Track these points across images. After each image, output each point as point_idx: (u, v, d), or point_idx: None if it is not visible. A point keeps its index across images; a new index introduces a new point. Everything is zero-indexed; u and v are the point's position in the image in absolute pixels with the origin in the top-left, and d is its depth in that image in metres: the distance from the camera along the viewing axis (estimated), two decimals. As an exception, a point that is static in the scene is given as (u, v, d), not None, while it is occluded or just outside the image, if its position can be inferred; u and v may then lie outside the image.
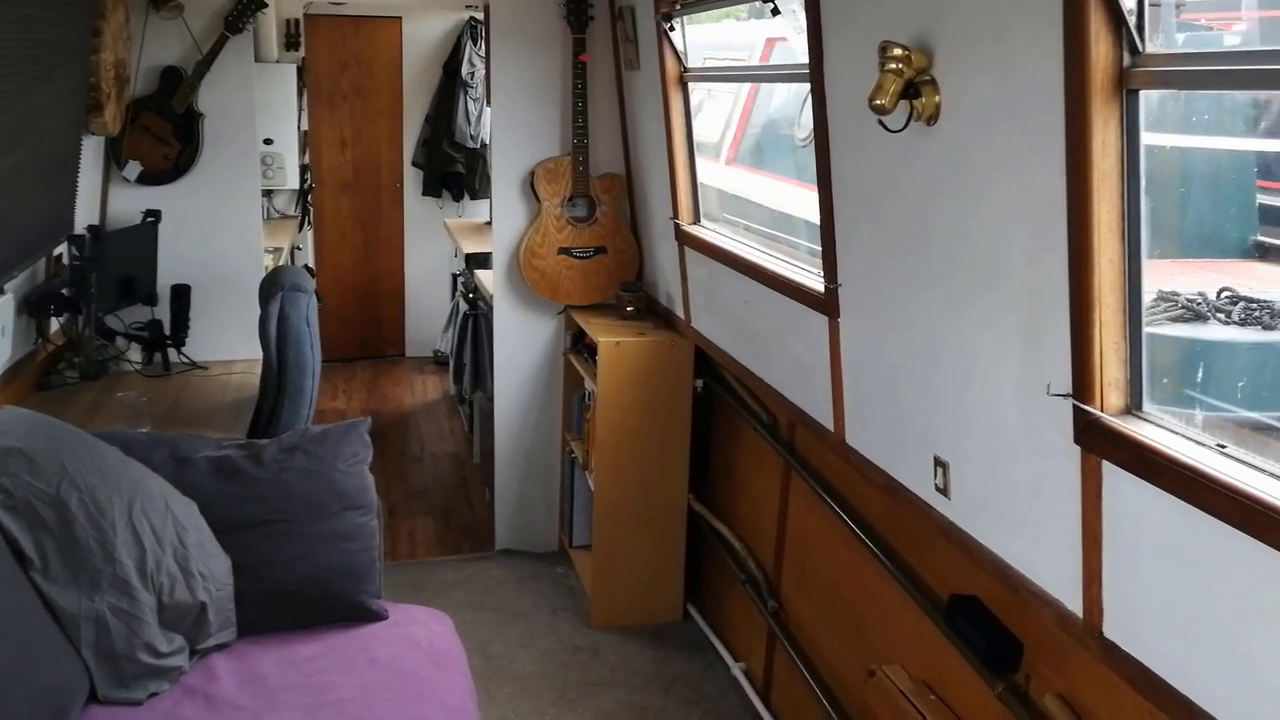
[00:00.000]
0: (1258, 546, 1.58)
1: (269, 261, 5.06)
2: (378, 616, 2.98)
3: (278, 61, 6.42)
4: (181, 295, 4.39)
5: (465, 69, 7.59)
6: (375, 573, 3.02)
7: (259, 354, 3.74)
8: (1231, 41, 2.03)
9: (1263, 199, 3.17)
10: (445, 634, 3.06)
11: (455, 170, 7.73)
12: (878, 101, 2.19)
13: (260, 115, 4.90)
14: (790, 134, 4.36)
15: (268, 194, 6.62)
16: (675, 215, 4.07)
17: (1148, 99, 1.83)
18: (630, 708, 3.82)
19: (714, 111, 5.18)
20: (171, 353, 4.34)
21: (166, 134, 4.47)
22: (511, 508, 4.98)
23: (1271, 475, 1.64)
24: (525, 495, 4.97)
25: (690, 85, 4.01)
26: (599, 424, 4.23)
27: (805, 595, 3.56)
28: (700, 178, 4.14)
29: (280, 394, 3.60)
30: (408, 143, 7.93)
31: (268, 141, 6.13)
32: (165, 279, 4.45)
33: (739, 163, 5.02)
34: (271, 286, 3.67)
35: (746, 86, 4.94)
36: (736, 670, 3.98)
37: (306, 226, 7.47)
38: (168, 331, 4.35)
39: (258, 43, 5.52)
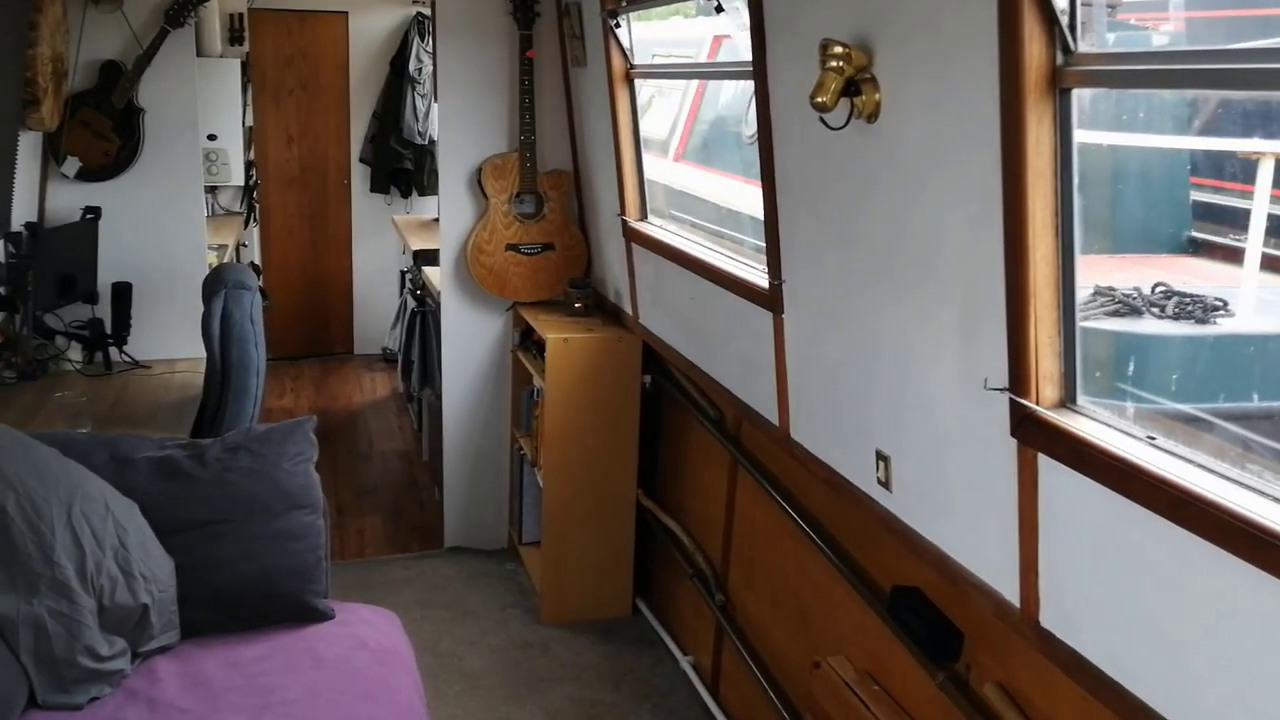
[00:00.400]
0: (1185, 535, 1.62)
1: (213, 259, 5.00)
2: (324, 616, 2.96)
3: (221, 56, 6.33)
4: (123, 293, 4.32)
5: (413, 65, 7.54)
6: (321, 572, 3.00)
7: (203, 353, 3.69)
8: (1159, 41, 2.08)
9: (1196, 196, 3.24)
10: (393, 633, 3.04)
11: (403, 167, 7.69)
12: (819, 99, 2.21)
13: (203, 110, 4.85)
14: (738, 131, 4.38)
15: (212, 190, 6.53)
16: (622, 212, 4.08)
17: (1080, 97, 1.86)
18: (580, 703, 3.83)
19: (663, 108, 5.19)
20: (113, 352, 4.28)
21: (106, 129, 4.40)
22: (461, 505, 4.96)
23: (1199, 466, 1.68)
24: (474, 492, 4.96)
25: (637, 82, 4.01)
26: (548, 421, 4.23)
27: (752, 588, 3.59)
28: (649, 174, 4.14)
29: (224, 393, 3.56)
30: (355, 139, 7.87)
31: (211, 137, 6.06)
32: (106, 277, 4.38)
33: (687, 159, 5.03)
34: (215, 284, 3.62)
35: (694, 83, 4.96)
36: (685, 664, 4.01)
37: (252, 223, 7.39)
38: (109, 330, 4.28)
39: (200, 37, 5.45)
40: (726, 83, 4.61)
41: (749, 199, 3.57)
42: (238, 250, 6.45)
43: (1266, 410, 2.05)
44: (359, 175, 7.90)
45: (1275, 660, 1.52)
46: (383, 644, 2.94)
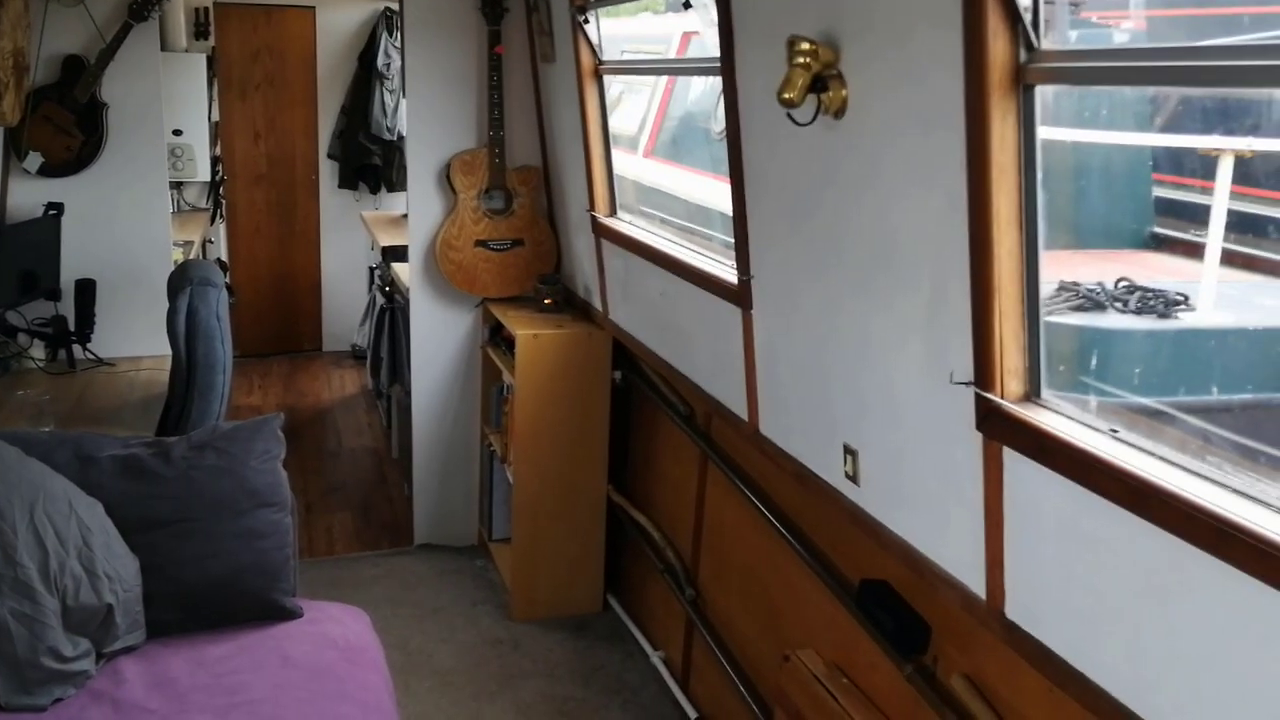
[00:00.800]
0: (1147, 527, 1.64)
1: (179, 255, 4.96)
2: (292, 614, 2.95)
3: (186, 51, 6.28)
4: (86, 290, 4.28)
5: (381, 60, 7.50)
6: (289, 570, 2.99)
7: (168, 350, 3.66)
8: (1121, 39, 2.10)
9: (1158, 192, 3.28)
10: (362, 630, 3.03)
11: (372, 163, 7.64)
12: (786, 95, 2.21)
13: (168, 106, 4.80)
14: (707, 127, 4.39)
15: (177, 186, 6.48)
16: (592, 208, 4.08)
17: (1043, 94, 1.87)
18: (551, 699, 3.83)
19: (633, 104, 5.19)
20: (76, 349, 4.24)
21: (69, 124, 4.35)
22: (430, 502, 4.95)
23: (1160, 459, 1.70)
24: (444, 489, 4.94)
25: (607, 78, 4.01)
26: (517, 417, 4.23)
27: (722, 583, 3.60)
28: (618, 170, 4.14)
29: (190, 390, 3.53)
30: (323, 135, 7.81)
31: (177, 133, 6.01)
32: (69, 273, 4.33)
33: (657, 155, 5.03)
34: (180, 281, 3.59)
35: (664, 80, 4.96)
36: (656, 659, 4.01)
37: (219, 219, 7.33)
38: (72, 327, 4.24)
39: (165, 31, 5.40)
40: (696, 79, 4.61)
41: (718, 195, 3.58)
42: (204, 246, 6.40)
43: (1225, 403, 2.08)
44: (327, 171, 7.85)
45: (1234, 649, 1.54)
46: (351, 642, 2.92)
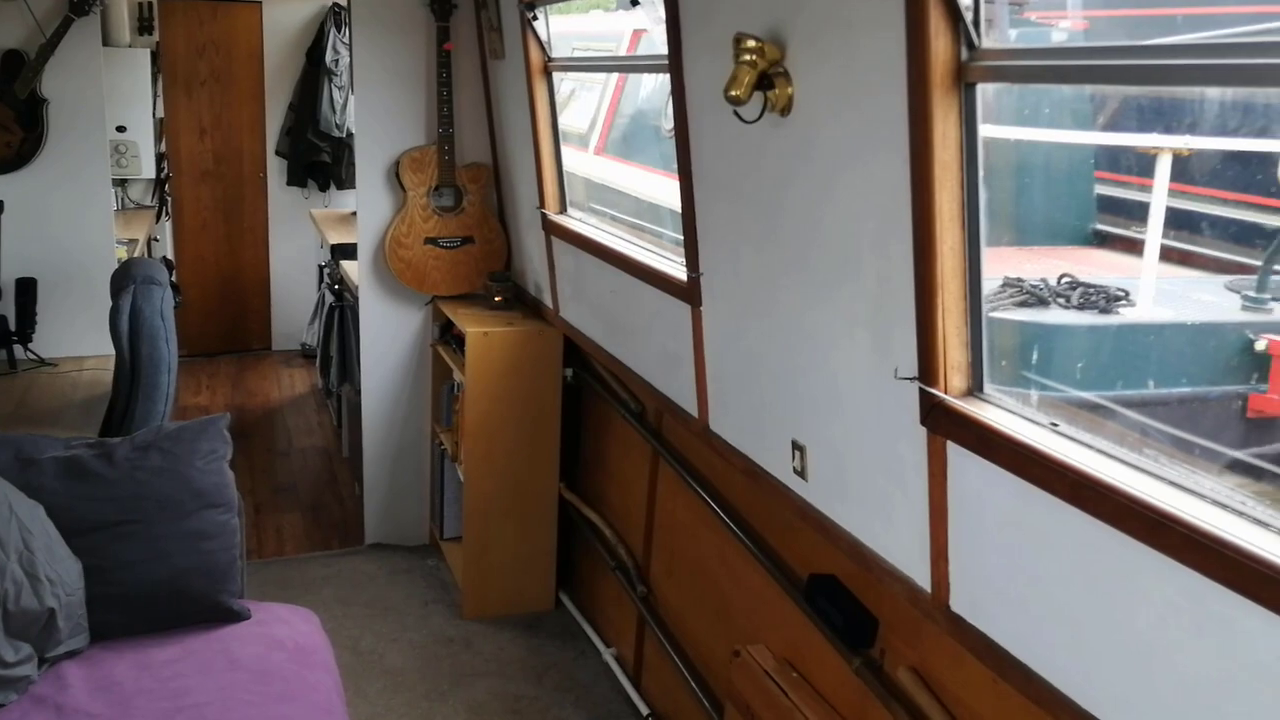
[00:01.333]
0: (1086, 519, 1.67)
1: (123, 253, 4.88)
2: (239, 616, 2.92)
3: (130, 46, 6.18)
4: (27, 289, 4.20)
5: (329, 56, 7.42)
6: (236, 572, 2.95)
7: (111, 350, 3.60)
8: (1058, 38, 2.13)
9: (1100, 190, 3.34)
10: (311, 631, 3.01)
11: (321, 160, 7.57)
12: (733, 92, 2.22)
13: (111, 101, 4.73)
14: (658, 125, 4.39)
15: (122, 183, 6.38)
16: (542, 205, 4.07)
17: (984, 92, 1.90)
18: (503, 697, 3.82)
19: (585, 102, 5.18)
20: (17, 349, 4.15)
21: (8, 120, 4.27)
22: (381, 501, 4.91)
23: (1100, 452, 1.73)
24: (395, 488, 4.91)
25: (557, 75, 4.00)
26: (468, 415, 4.21)
27: (673, 579, 3.61)
28: (570, 167, 4.14)
29: (134, 390, 3.48)
30: (271, 131, 7.72)
31: (120, 129, 5.91)
32: (9, 272, 4.25)
33: (608, 153, 5.03)
34: (123, 279, 3.54)
35: (614, 77, 4.96)
36: (608, 656, 4.02)
37: (165, 217, 7.22)
38: (13, 327, 4.15)
39: (107, 26, 5.32)
40: (646, 77, 4.62)
41: (669, 192, 3.59)
42: (149, 245, 6.30)
43: (1163, 397, 2.12)
44: (275, 168, 7.76)
45: (1172, 638, 1.57)
46: (300, 643, 2.90)
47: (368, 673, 3.91)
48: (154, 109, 6.45)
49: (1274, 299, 2.87)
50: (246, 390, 7.22)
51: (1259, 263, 2.93)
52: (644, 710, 3.71)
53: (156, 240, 6.85)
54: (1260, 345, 2.55)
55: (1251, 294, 2.92)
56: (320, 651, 2.92)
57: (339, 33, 7.40)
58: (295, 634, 2.93)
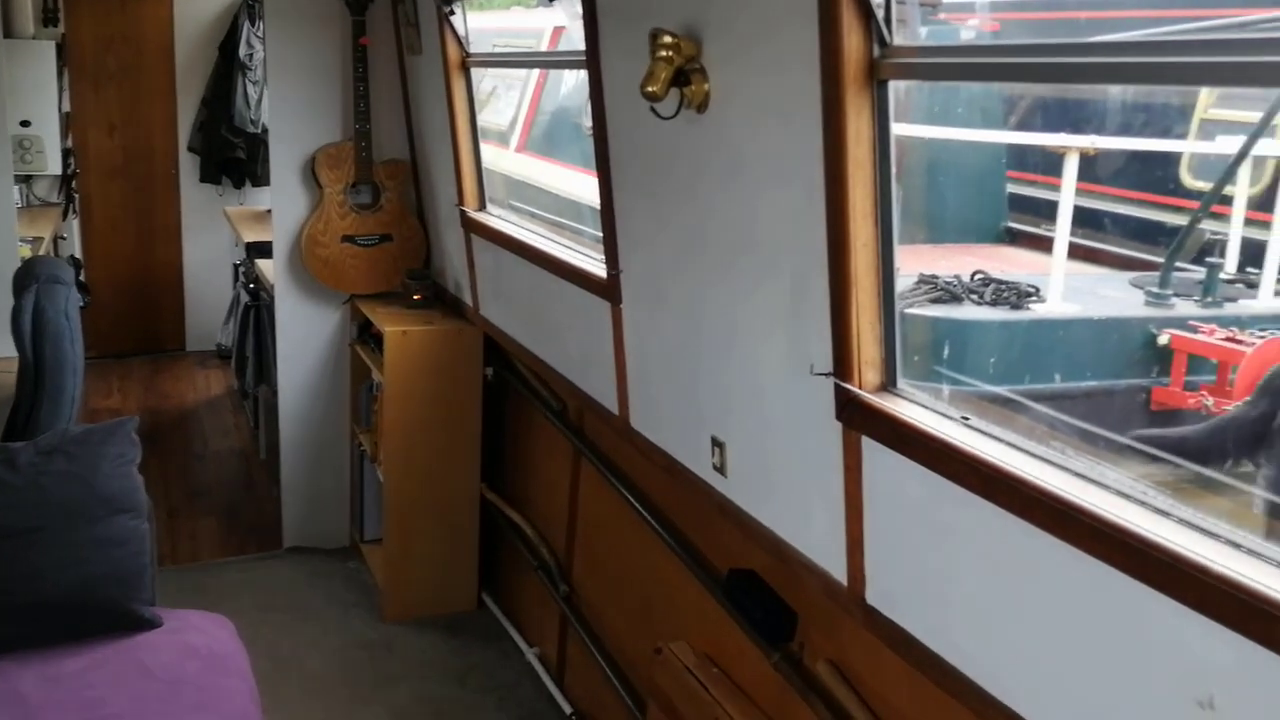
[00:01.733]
0: (996, 511, 1.69)
1: (26, 251, 4.73)
2: (151, 624, 2.85)
3: (34, 38, 6.00)
4: (-76, 289, 4.05)
5: (243, 50, 7.27)
6: (147, 579, 2.88)
7: (14, 352, 3.49)
8: (967, 35, 2.17)
9: (1012, 189, 3.41)
10: (226, 638, 2.94)
11: (235, 156, 7.41)
12: (649, 89, 2.22)
13: (14, 95, 4.58)
14: (579, 122, 4.38)
15: (26, 180, 6.18)
16: (461, 202, 4.03)
17: (897, 91, 1.92)
18: (425, 700, 3.78)
19: (506, 100, 5.16)
20: (-87, 351, 4.00)
21: (-98, 114, 4.11)
22: (300, 504, 4.83)
23: (1009, 445, 1.76)
24: (314, 490, 4.83)
25: (480, 72, 3.97)
26: (387, 415, 4.16)
27: (596, 578, 3.61)
28: (491, 164, 4.11)
29: (38, 393, 3.37)
30: (183, 127, 7.54)
31: (24, 124, 5.73)
32: (-96, 272, 4.10)
33: (529, 150, 5.01)
34: (25, 278, 3.43)
35: (535, 75, 4.94)
36: (531, 655, 4.00)
37: (72, 214, 7.02)
38: (-92, 329, 4.00)
39: (8, 17, 5.15)
40: (568, 75, 4.61)
41: (589, 190, 3.58)
42: (55, 243, 6.12)
43: (1070, 390, 2.17)
44: (188, 165, 7.58)
45: (1080, 627, 1.61)
46: (214, 650, 2.84)
47: (286, 679, 3.83)
48: (60, 103, 6.27)
49: (1176, 295, 2.97)
50: (160, 392, 7.05)
51: (1161, 260, 3.02)
52: (567, 710, 3.70)
53: (63, 238, 6.66)
54: (1162, 340, 2.63)
55: (1154, 290, 3.00)
56: (235, 658, 2.86)
57: (253, 26, 7.25)
58: (209, 641, 2.87)
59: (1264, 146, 3.09)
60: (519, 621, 4.23)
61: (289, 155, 4.48)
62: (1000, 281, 2.95)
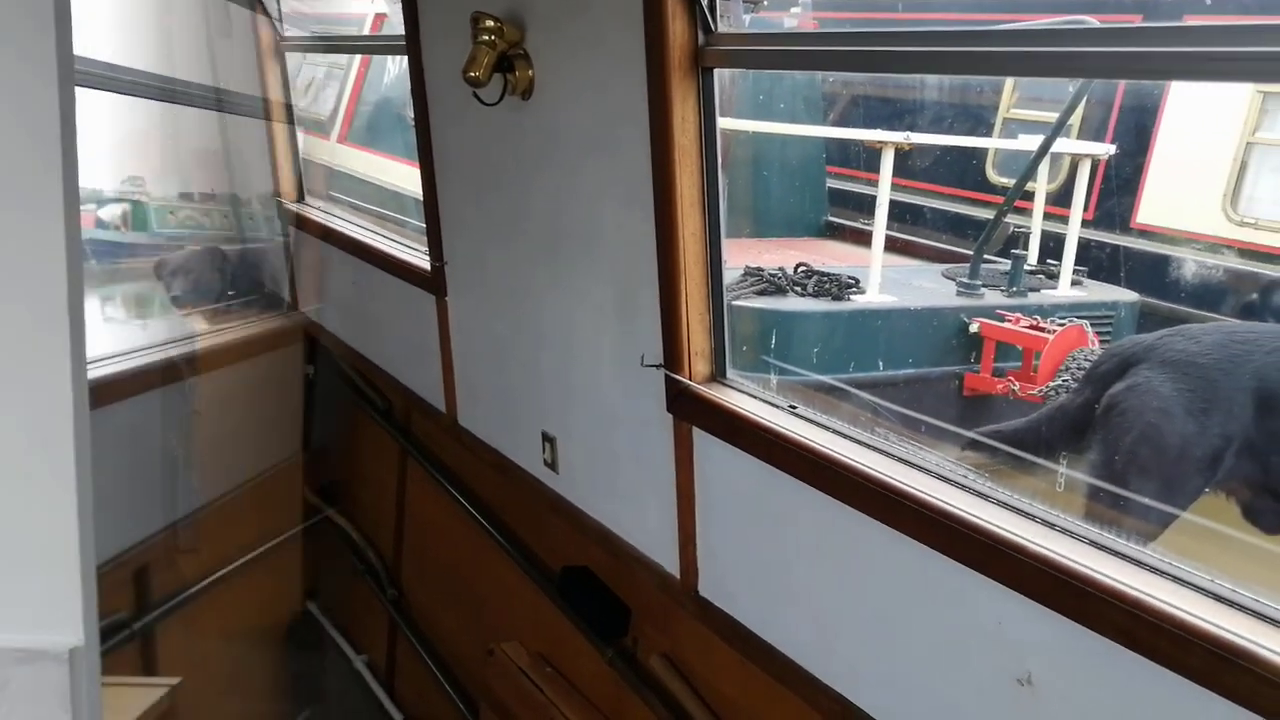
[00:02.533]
0: (824, 498, 1.71)
1: None
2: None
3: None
4: None
5: None
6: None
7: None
8: (790, 24, 2.19)
9: (832, 184, 3.49)
10: None
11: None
12: (471, 74, 2.16)
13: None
14: (403, 113, 4.27)
15: None
16: (277, 193, 3.86)
17: (721, 77, 1.92)
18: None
19: (328, 90, 5.00)
20: None
21: None
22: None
23: (835, 432, 1.78)
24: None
25: (298, 60, 3.81)
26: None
27: (425, 581, 3.51)
28: (310, 155, 3.95)
29: None
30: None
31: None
32: None
33: (350, 141, 4.87)
34: None
35: (356, 65, 4.81)
36: (359, 663, 3.86)
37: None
38: None
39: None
40: (391, 65, 4.49)
41: (412, 181, 3.49)
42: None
43: (891, 378, 2.23)
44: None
45: (904, 609, 1.63)
46: None
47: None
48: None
49: (985, 286, 3.10)
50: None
51: (970, 252, 3.15)
52: (398, 717, 3.60)
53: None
54: (973, 328, 2.74)
55: (965, 281, 3.13)
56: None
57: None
58: None
59: (1061, 145, 3.26)
60: (346, 628, 4.08)
61: (88, 143, 4.20)
62: (822, 274, 3.03)
